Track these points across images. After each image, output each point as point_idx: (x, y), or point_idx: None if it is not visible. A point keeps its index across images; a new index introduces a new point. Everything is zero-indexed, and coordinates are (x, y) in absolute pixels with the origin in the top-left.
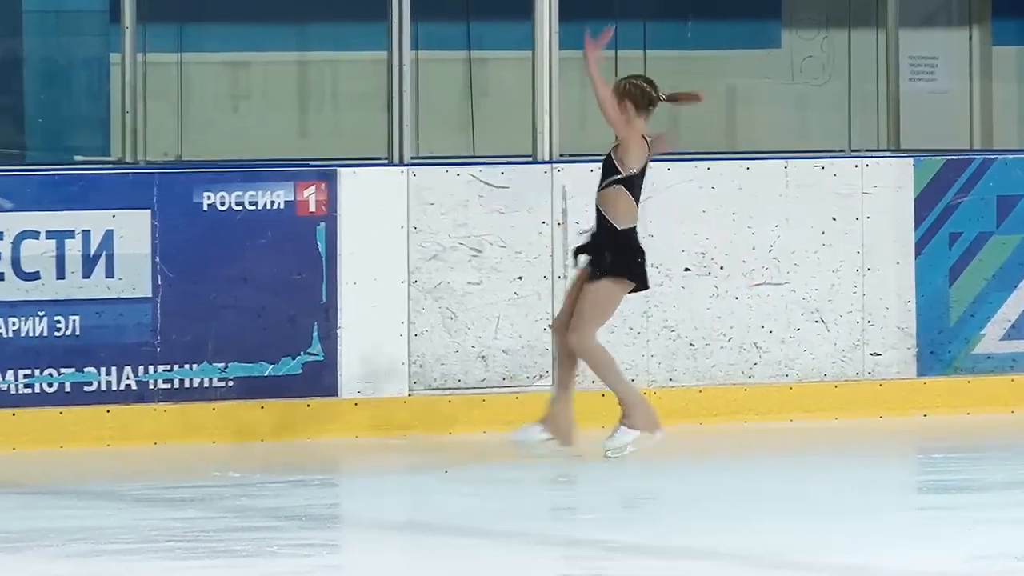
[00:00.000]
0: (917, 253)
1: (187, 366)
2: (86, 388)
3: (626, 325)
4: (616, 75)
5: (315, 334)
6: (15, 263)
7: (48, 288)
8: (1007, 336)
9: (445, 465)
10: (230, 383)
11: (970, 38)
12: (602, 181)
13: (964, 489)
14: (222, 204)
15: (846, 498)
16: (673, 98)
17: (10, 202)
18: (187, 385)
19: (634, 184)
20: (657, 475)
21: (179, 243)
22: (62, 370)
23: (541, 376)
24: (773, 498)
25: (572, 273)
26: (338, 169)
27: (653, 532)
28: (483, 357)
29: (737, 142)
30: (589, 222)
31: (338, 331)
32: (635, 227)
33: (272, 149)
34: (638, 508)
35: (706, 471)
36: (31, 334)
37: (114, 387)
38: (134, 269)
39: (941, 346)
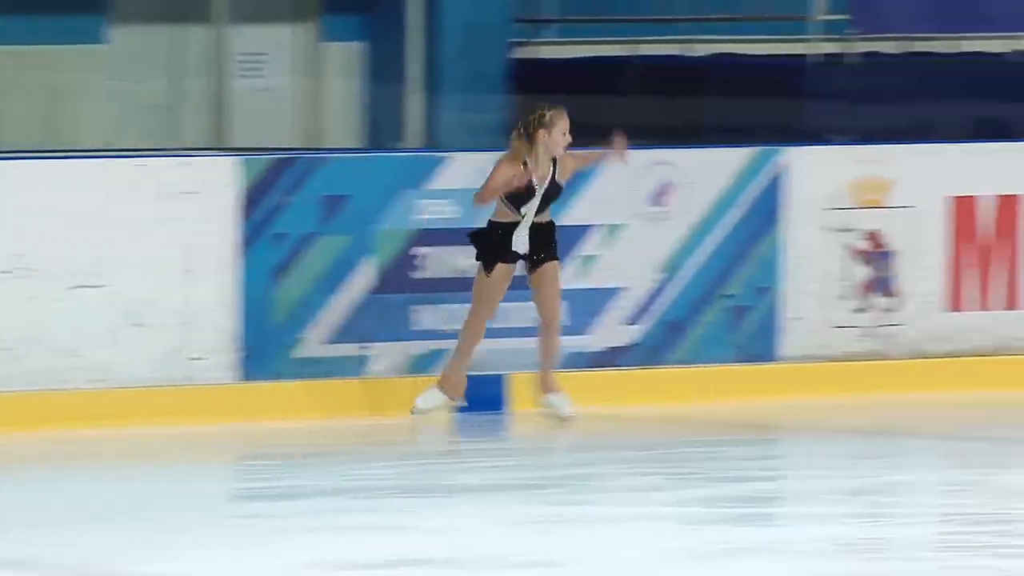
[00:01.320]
0: (242, 254)
1: None
2: None
3: None
4: None
5: None
6: None
7: None
8: (331, 340)
9: None
10: None
11: (296, 34)
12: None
13: (288, 497)
14: None
15: (166, 507)
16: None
17: None
18: None
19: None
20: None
21: None
22: None
23: None
24: (92, 508)
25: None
26: None
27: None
28: None
29: (59, 140)
30: None
31: None
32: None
33: None
34: None
35: (26, 480)
36: None
37: None
38: None
39: (265, 350)
